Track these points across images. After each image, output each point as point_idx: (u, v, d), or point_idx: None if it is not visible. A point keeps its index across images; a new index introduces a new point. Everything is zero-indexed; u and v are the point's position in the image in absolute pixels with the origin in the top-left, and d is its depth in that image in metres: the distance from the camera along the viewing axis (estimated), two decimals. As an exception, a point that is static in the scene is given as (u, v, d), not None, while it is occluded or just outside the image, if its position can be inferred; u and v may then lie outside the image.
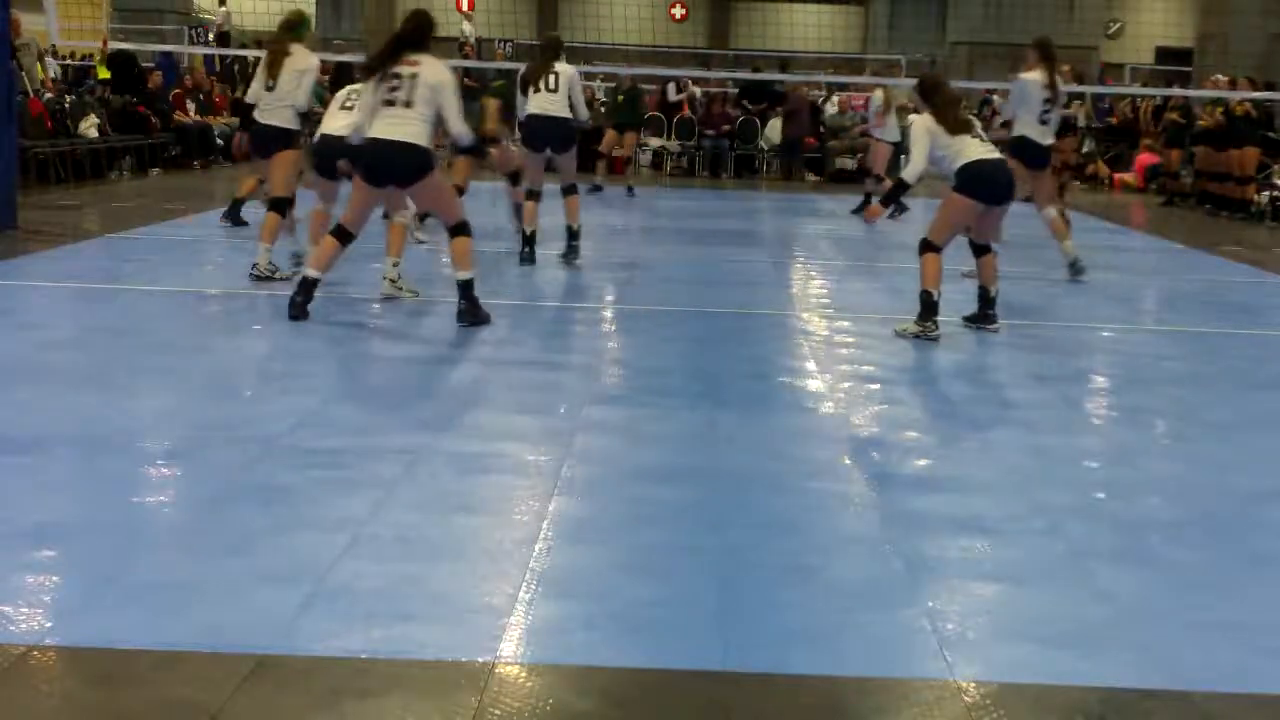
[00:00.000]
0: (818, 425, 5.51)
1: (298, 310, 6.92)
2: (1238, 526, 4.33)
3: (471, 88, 18.02)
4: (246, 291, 8.01)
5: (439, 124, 7.04)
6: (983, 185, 7.20)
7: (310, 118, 8.56)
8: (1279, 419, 5.95)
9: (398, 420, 5.18)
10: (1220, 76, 17.63)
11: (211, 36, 21.72)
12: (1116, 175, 19.89)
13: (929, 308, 7.20)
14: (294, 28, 8.41)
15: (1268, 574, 3.91)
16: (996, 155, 7.35)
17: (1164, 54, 32.34)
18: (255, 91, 8.27)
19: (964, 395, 6.07)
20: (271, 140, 8.19)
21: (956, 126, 7.24)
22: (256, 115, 8.21)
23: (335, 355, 6.43)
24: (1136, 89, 22.64)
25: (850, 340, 7.36)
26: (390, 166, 6.93)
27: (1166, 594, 3.71)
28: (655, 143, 19.81)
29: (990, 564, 3.87)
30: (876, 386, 6.21)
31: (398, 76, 6.87)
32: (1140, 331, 8.30)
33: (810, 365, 6.65)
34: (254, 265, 8.30)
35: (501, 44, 23.43)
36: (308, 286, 6.98)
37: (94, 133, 15.17)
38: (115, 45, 16.61)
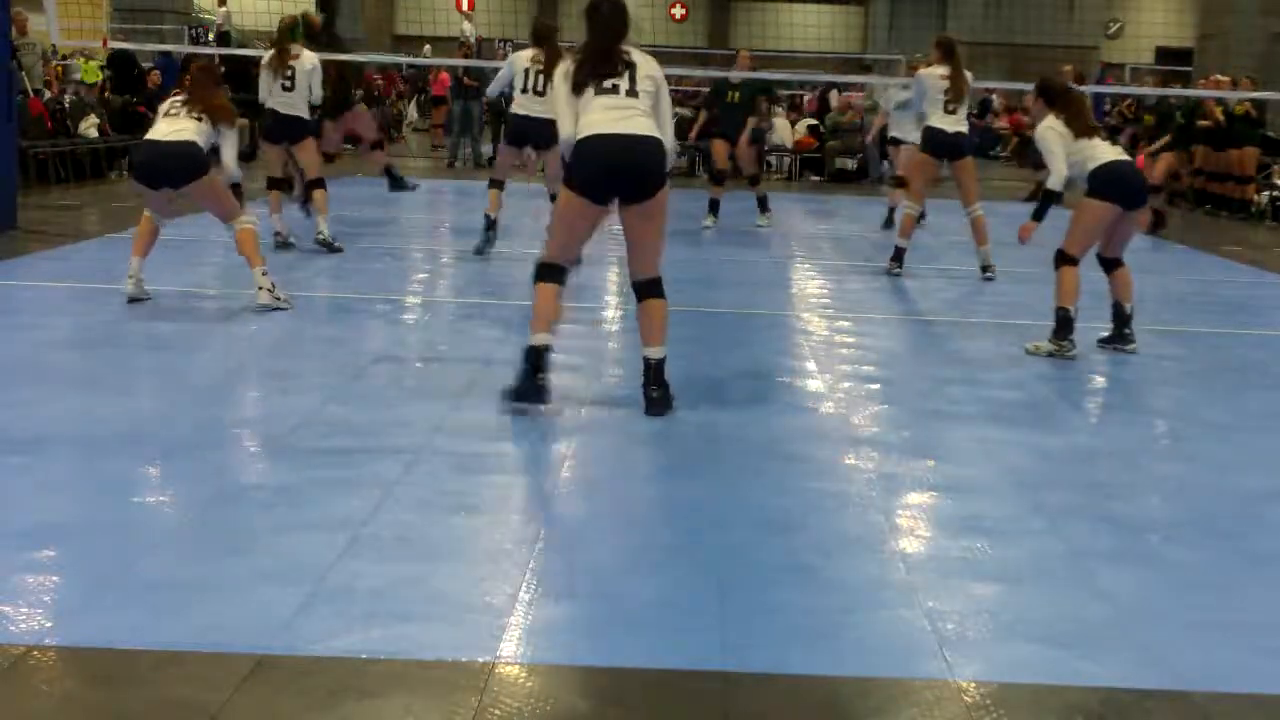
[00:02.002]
0: (818, 425, 5.51)
1: None
2: (1238, 526, 4.33)
3: (472, 87, 18.03)
4: (246, 291, 8.01)
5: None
6: (1119, 187, 6.89)
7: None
8: (1279, 419, 5.95)
9: (398, 420, 5.18)
10: (1220, 76, 17.63)
11: (211, 36, 21.68)
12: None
13: (1065, 325, 6.86)
14: (295, 31, 9.77)
15: (1268, 574, 3.91)
16: (1127, 157, 7.12)
17: (1164, 54, 32.35)
18: (273, 90, 9.51)
19: (964, 395, 6.06)
20: (298, 128, 9.59)
21: (1084, 130, 6.96)
22: (276, 108, 9.54)
23: (335, 355, 6.43)
24: (1136, 89, 22.66)
25: (850, 340, 7.36)
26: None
27: (1166, 594, 3.72)
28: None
29: (990, 564, 3.87)
30: (876, 386, 6.21)
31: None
32: (1140, 331, 8.29)
33: (810, 365, 6.65)
34: (318, 234, 9.61)
35: (501, 44, 23.42)
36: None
37: (94, 133, 15.17)
38: (115, 45, 16.60)
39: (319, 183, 9.79)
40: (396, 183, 11.17)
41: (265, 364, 6.31)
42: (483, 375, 6.18)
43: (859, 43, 34.75)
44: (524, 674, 3.05)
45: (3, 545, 3.68)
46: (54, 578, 3.50)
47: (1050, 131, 7.03)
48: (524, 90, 9.20)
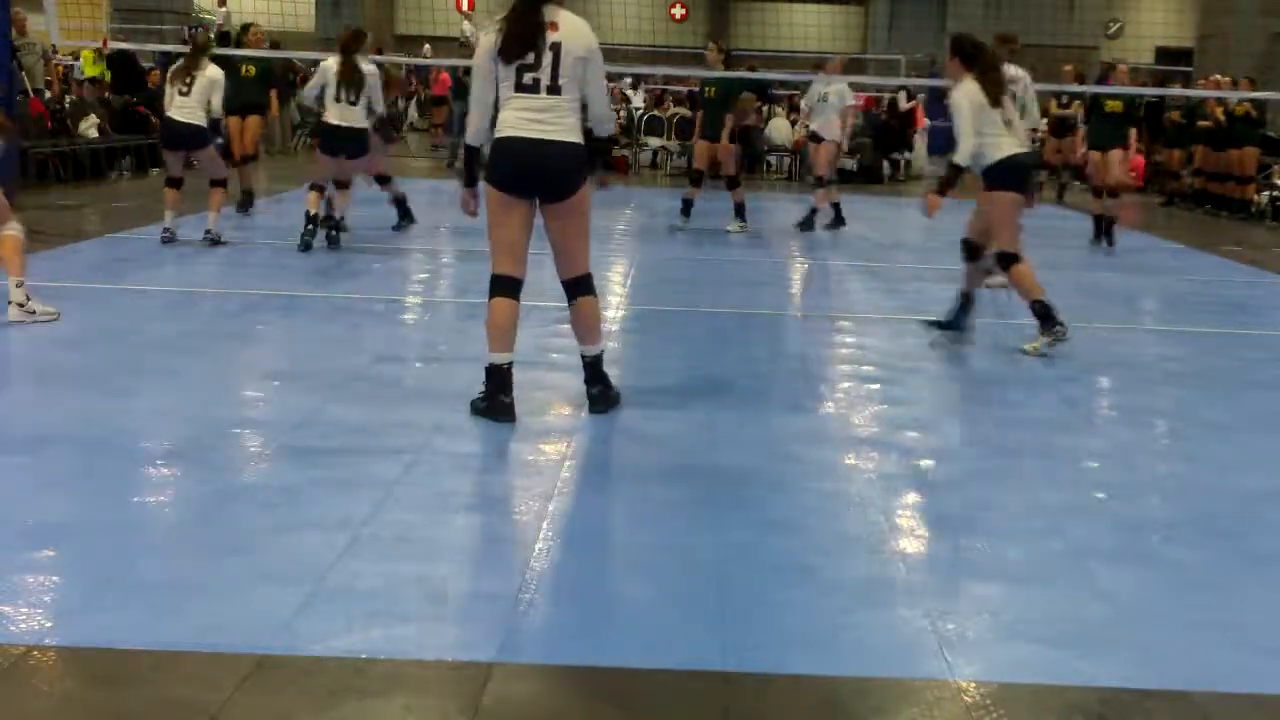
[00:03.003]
0: (818, 425, 5.51)
1: None
2: (1238, 526, 4.33)
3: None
4: (246, 291, 8.02)
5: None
6: (1021, 177, 6.90)
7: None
8: (1279, 419, 5.95)
9: (398, 420, 5.18)
10: (1219, 76, 17.64)
11: (211, 36, 21.64)
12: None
13: (1046, 315, 6.87)
14: (360, 42, 9.90)
15: (1268, 574, 3.91)
16: (1025, 149, 7.10)
17: (1164, 54, 32.34)
18: (337, 103, 9.61)
19: (964, 395, 6.07)
20: (363, 140, 9.75)
21: (997, 99, 6.81)
22: (337, 121, 9.62)
23: (335, 355, 6.43)
24: (1135, 89, 22.63)
25: (850, 340, 7.36)
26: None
27: (1166, 594, 3.72)
28: (655, 143, 19.80)
29: (990, 564, 3.87)
30: (876, 386, 6.21)
31: None
32: (1140, 331, 8.30)
33: (810, 365, 6.65)
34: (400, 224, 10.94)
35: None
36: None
37: (94, 133, 15.17)
38: (115, 45, 16.59)
39: (390, 178, 11.05)
40: (405, 215, 11.26)
41: (265, 364, 6.31)
42: (482, 374, 6.18)
43: (859, 43, 34.72)
44: (524, 674, 3.05)
45: (3, 545, 3.68)
46: (54, 578, 3.50)
47: (965, 101, 6.84)
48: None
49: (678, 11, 35.42)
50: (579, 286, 5.33)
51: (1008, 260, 6.95)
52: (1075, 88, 16.50)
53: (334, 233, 9.83)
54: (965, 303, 7.23)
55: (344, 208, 9.98)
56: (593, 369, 5.40)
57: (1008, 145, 6.86)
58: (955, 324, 7.24)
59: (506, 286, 5.23)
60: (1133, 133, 12.50)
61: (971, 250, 7.19)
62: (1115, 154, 12.27)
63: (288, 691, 2.92)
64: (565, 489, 4.41)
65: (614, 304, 8.08)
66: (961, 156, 6.85)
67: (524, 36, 5.01)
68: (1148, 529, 4.26)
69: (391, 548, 3.78)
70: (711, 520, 4.13)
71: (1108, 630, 3.42)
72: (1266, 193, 15.68)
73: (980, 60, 6.98)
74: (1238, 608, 3.63)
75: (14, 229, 7.05)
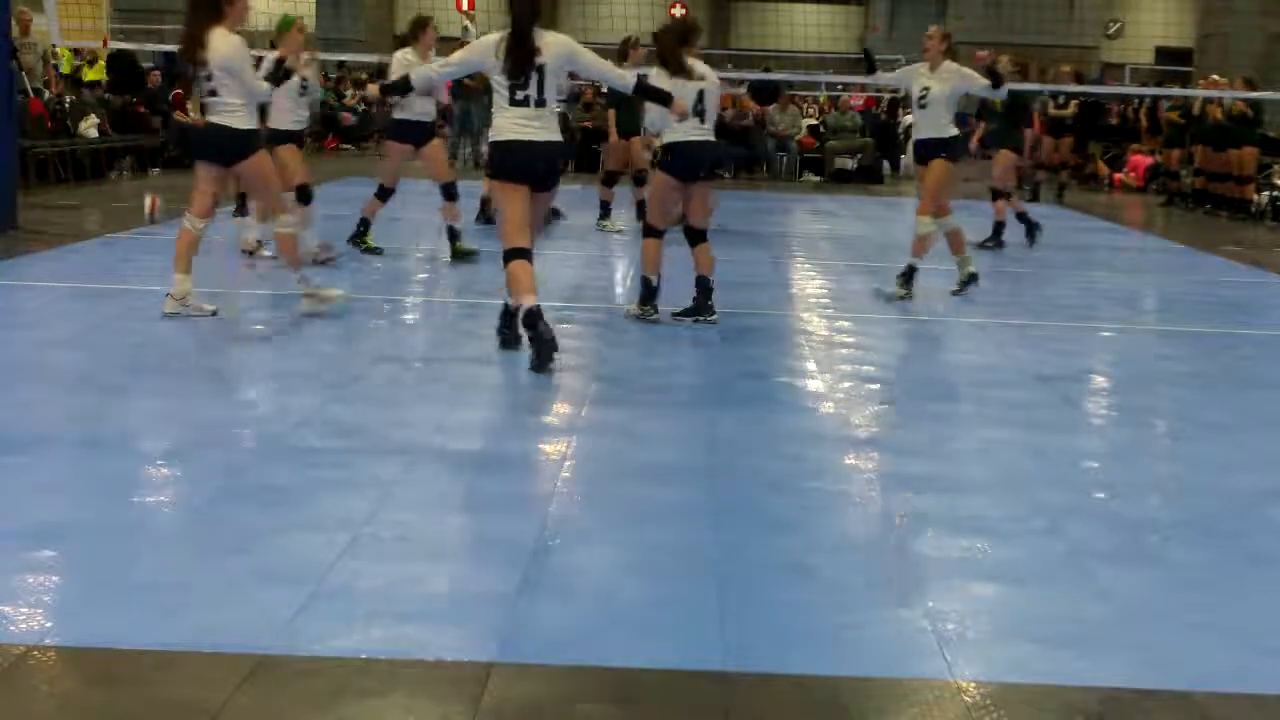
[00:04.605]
0: (818, 425, 5.51)
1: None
2: (1238, 526, 4.33)
3: (471, 88, 18.01)
4: (245, 291, 8.02)
5: None
6: (681, 164, 7.31)
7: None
8: (1279, 419, 5.95)
9: (398, 420, 5.18)
10: (1218, 77, 17.65)
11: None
12: (1116, 175, 19.90)
13: (648, 291, 7.43)
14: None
15: (1268, 574, 3.91)
16: (702, 137, 7.36)
17: (1164, 54, 32.36)
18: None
19: (964, 395, 6.07)
20: (428, 132, 9.63)
21: (679, 68, 7.17)
22: (398, 114, 9.47)
23: (335, 355, 6.43)
24: (1135, 89, 22.67)
25: (850, 340, 7.36)
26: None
27: (1166, 594, 3.71)
28: (655, 143, 19.75)
29: (990, 564, 3.87)
30: (876, 386, 6.21)
31: None
32: (1140, 331, 8.30)
33: (810, 365, 6.65)
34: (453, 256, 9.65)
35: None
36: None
37: (94, 133, 15.17)
38: (115, 45, 16.59)
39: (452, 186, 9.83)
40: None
41: (265, 364, 6.32)
42: (483, 375, 6.18)
43: (859, 43, 34.72)
44: (524, 674, 3.05)
45: (3, 545, 3.67)
46: (54, 578, 3.50)
47: (657, 74, 7.25)
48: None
49: (678, 11, 35.40)
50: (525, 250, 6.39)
51: (647, 231, 7.54)
52: (1072, 88, 16.53)
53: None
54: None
55: (454, 218, 9.69)
56: (529, 319, 6.13)
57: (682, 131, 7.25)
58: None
59: (520, 253, 6.22)
60: (1028, 133, 12.26)
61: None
62: (1000, 155, 12.02)
63: (288, 691, 2.92)
64: (565, 489, 4.41)
65: (614, 303, 8.08)
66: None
67: (520, 62, 6.14)
68: (1148, 529, 4.26)
69: (391, 548, 3.78)
70: (711, 520, 4.13)
71: (1108, 630, 3.42)
72: (1266, 193, 15.68)
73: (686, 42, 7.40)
74: (1238, 608, 3.63)
75: (289, 225, 7.35)
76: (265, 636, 3.14)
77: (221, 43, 6.79)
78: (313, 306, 7.18)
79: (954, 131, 8.70)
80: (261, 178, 7.12)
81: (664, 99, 6.68)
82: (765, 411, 5.65)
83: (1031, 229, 11.85)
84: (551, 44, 6.23)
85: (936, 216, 8.55)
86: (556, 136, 6.34)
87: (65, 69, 17.28)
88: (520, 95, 6.18)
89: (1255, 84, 16.30)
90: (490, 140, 6.35)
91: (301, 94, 8.96)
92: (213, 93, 6.92)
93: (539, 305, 6.06)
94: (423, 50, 9.42)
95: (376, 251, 9.72)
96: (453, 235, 9.64)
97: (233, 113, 6.89)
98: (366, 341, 6.86)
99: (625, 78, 6.72)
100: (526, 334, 6.09)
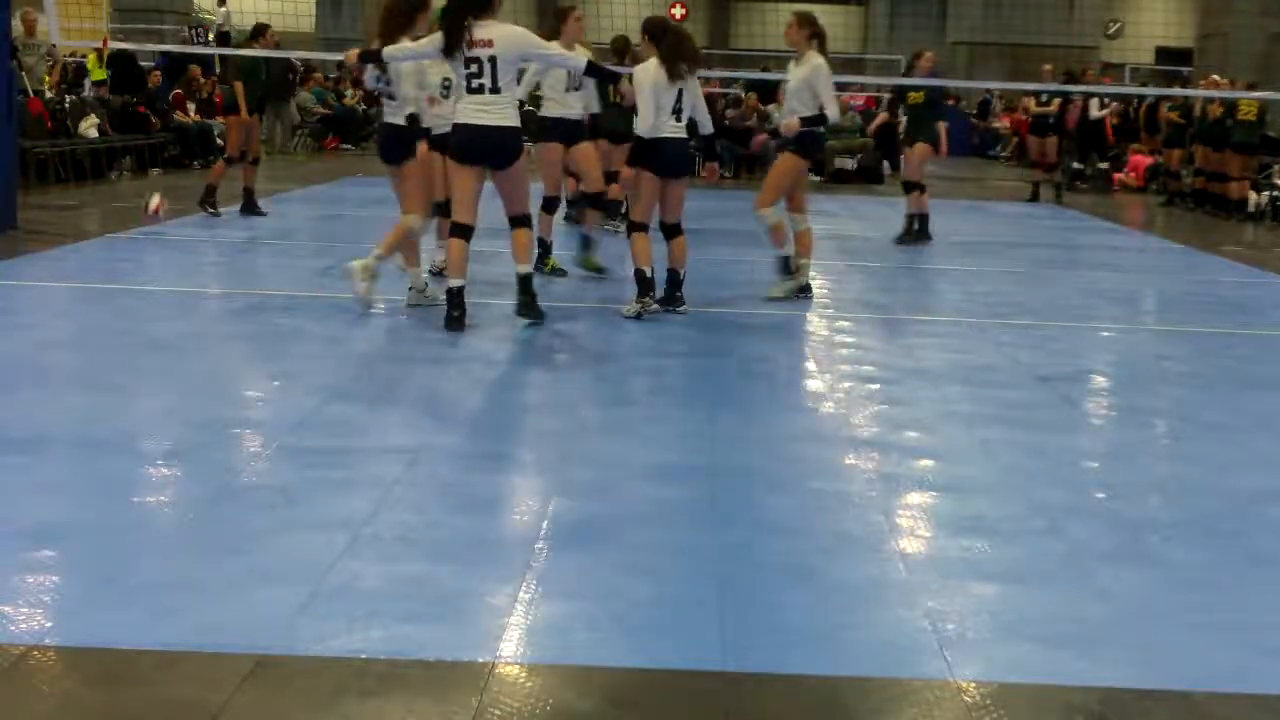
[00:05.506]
0: (818, 425, 5.51)
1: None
2: (1238, 526, 4.33)
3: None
4: (245, 291, 8.02)
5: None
6: (656, 158, 7.40)
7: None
8: (1279, 419, 5.95)
9: (398, 420, 5.18)
10: (1217, 77, 17.65)
11: (211, 36, 21.68)
12: (1116, 175, 19.90)
13: (644, 284, 7.46)
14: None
15: (1268, 574, 3.91)
16: (676, 135, 7.43)
17: (1164, 54, 32.38)
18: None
19: (964, 395, 6.06)
20: (578, 131, 8.92)
21: (675, 74, 7.29)
22: (544, 111, 8.63)
23: (335, 355, 6.43)
24: (1134, 89, 22.67)
25: (850, 340, 7.36)
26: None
27: (1166, 594, 3.71)
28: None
29: (990, 564, 3.87)
30: (876, 386, 6.21)
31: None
32: (1140, 331, 8.30)
33: (810, 365, 6.65)
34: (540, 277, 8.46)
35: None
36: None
37: (94, 133, 15.16)
38: (115, 45, 16.58)
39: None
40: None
41: (265, 364, 6.31)
42: (483, 374, 6.18)
43: (859, 43, 34.74)
44: (524, 674, 3.05)
45: (3, 545, 3.67)
46: (54, 578, 3.50)
47: (643, 72, 7.37)
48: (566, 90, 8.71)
49: (678, 11, 35.39)
50: (517, 221, 7.08)
51: (633, 227, 7.59)
52: (1055, 87, 16.57)
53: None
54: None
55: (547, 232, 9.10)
56: (522, 282, 7.00)
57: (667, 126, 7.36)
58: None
59: (462, 231, 6.90)
60: (941, 127, 11.75)
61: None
62: (916, 148, 11.84)
63: (288, 691, 2.92)
64: (565, 489, 4.41)
65: (614, 304, 8.07)
66: (642, 127, 7.37)
67: (451, 42, 6.67)
68: (1148, 529, 4.26)
69: (391, 548, 3.78)
70: (711, 520, 4.14)
71: (1108, 630, 3.41)
72: (1266, 193, 15.67)
73: (666, 39, 7.46)
74: (1238, 608, 3.63)
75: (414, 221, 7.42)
76: (265, 636, 3.14)
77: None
78: (417, 299, 7.55)
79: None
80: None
81: (612, 77, 7.02)
82: (765, 411, 5.65)
83: (922, 232, 11.79)
84: (503, 35, 6.71)
85: (792, 212, 8.37)
86: (510, 122, 6.80)
87: (98, 75, 17.21)
88: (475, 83, 6.72)
89: (1255, 85, 16.30)
90: (452, 124, 6.89)
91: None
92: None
93: (462, 287, 6.83)
94: None
95: (561, 274, 8.96)
96: (585, 244, 9.14)
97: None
98: (366, 341, 6.86)
99: (576, 60, 7.27)
100: (448, 307, 6.80)
